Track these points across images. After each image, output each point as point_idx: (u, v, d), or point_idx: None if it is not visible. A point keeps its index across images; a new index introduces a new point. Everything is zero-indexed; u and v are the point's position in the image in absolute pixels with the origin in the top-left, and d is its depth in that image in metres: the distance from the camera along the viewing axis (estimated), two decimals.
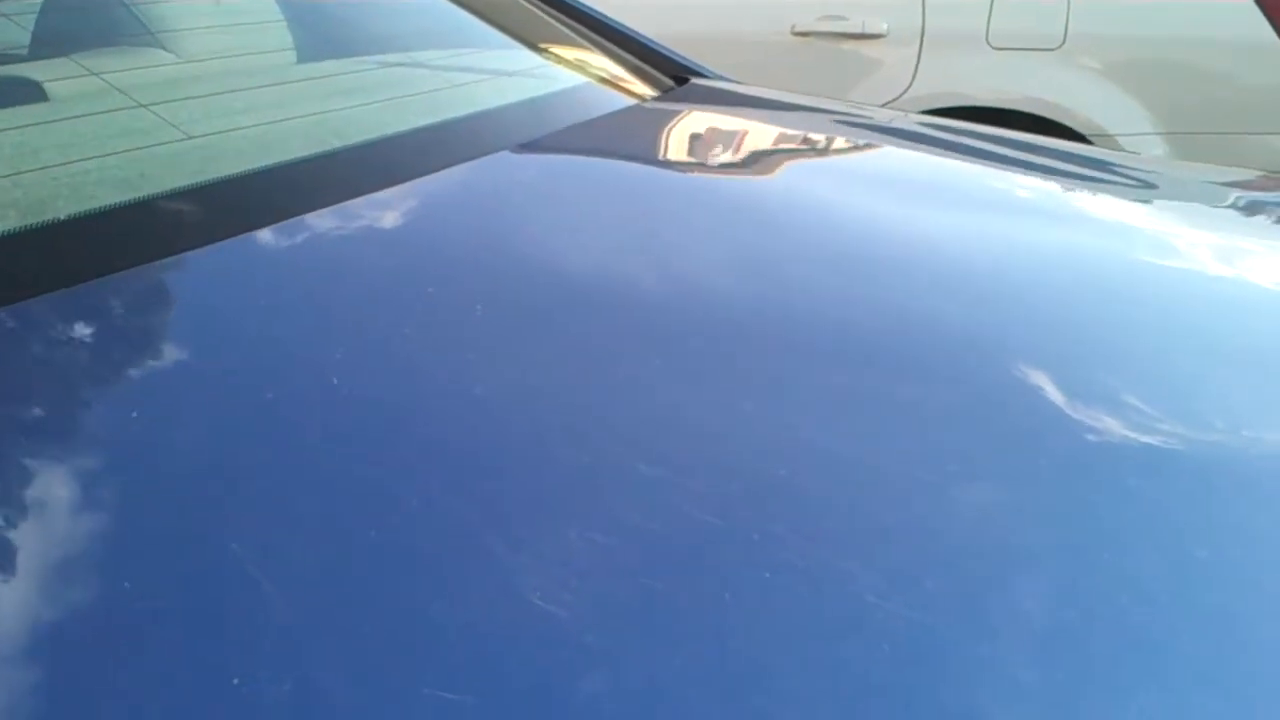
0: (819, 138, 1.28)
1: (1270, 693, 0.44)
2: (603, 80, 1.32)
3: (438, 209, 0.86)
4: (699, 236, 0.88)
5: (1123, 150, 2.68)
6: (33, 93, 0.95)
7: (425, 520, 0.49)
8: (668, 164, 1.10)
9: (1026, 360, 0.70)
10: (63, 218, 0.73)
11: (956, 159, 1.24)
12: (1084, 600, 0.48)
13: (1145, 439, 0.60)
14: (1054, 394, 0.64)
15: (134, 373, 0.61)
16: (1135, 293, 0.84)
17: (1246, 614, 0.48)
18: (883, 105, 2.76)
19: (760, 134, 1.26)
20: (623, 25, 1.46)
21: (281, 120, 1.00)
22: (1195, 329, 0.78)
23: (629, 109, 1.21)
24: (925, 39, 2.93)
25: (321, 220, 0.78)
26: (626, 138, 1.14)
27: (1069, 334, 0.74)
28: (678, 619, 0.45)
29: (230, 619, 0.42)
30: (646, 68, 1.40)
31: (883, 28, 2.96)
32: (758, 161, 1.14)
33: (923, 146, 1.29)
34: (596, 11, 1.47)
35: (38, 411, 0.55)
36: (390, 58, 1.29)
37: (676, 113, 1.26)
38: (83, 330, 0.63)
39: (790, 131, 1.29)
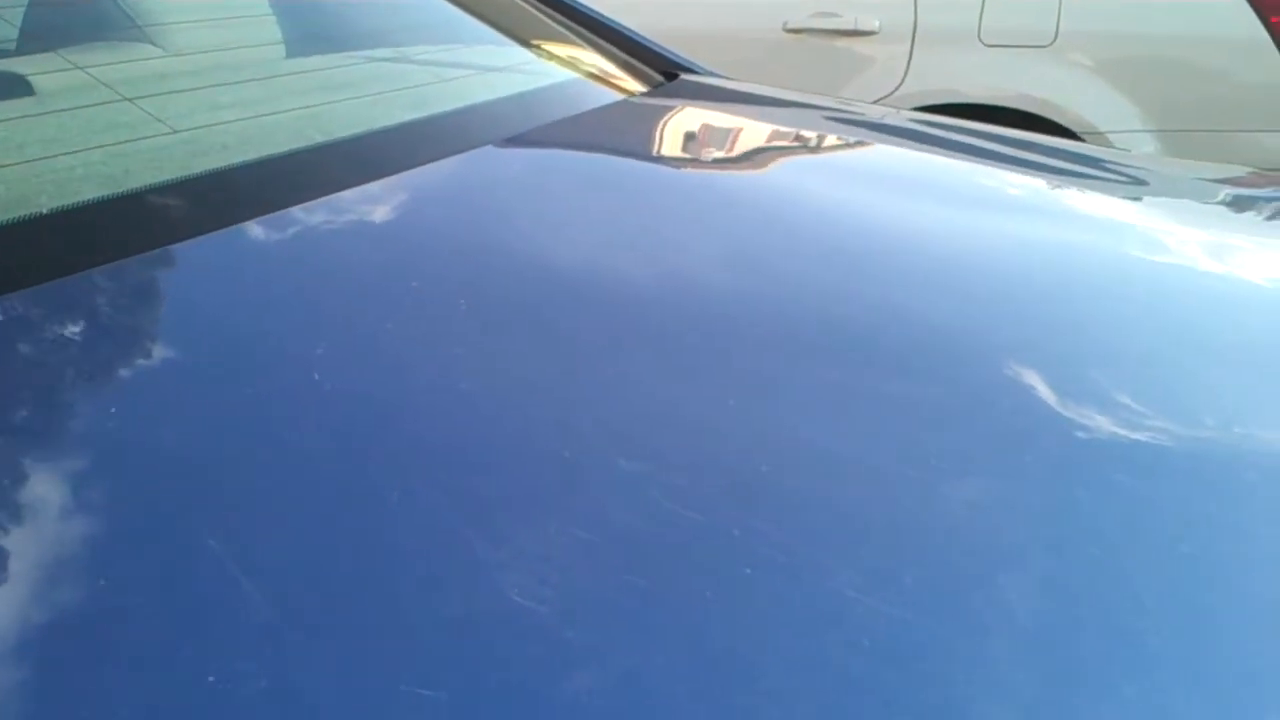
0: (807, 134, 1.27)
1: (1254, 689, 0.44)
2: (591, 75, 1.31)
3: (421, 203, 0.86)
4: (684, 231, 0.87)
5: (1114, 147, 2.69)
6: (18, 87, 0.95)
7: (407, 515, 0.49)
8: (653, 159, 1.09)
9: (1014, 356, 0.69)
10: (45, 212, 0.73)
11: (946, 156, 1.24)
12: (1071, 596, 0.48)
13: (1133, 435, 0.60)
14: (1041, 389, 0.64)
15: (114, 367, 0.60)
16: (1125, 289, 0.83)
17: (1230, 609, 0.48)
18: (874, 102, 2.76)
19: (748, 130, 1.26)
20: (613, 20, 1.46)
21: (266, 115, 1.00)
22: (1184, 325, 0.78)
23: (616, 104, 1.21)
24: (917, 36, 2.93)
25: (305, 214, 0.78)
26: (612, 132, 1.13)
27: (1058, 330, 0.74)
28: (658, 615, 0.44)
29: (206, 613, 0.42)
30: (635, 63, 1.39)
31: (875, 25, 2.96)
32: (745, 157, 1.14)
33: (912, 143, 1.28)
34: (586, 7, 1.46)
35: (16, 405, 0.55)
36: (377, 53, 1.28)
37: (664, 108, 1.26)
38: (63, 324, 0.62)
39: (779, 127, 1.28)
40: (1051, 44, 2.82)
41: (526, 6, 1.43)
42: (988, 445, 0.59)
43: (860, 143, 1.26)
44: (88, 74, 1.00)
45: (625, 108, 1.20)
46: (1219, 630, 0.47)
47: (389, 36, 1.32)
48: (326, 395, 0.58)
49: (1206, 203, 1.18)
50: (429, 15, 1.37)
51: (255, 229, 0.75)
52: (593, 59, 1.36)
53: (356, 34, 1.31)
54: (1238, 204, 1.17)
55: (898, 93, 2.95)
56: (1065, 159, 1.27)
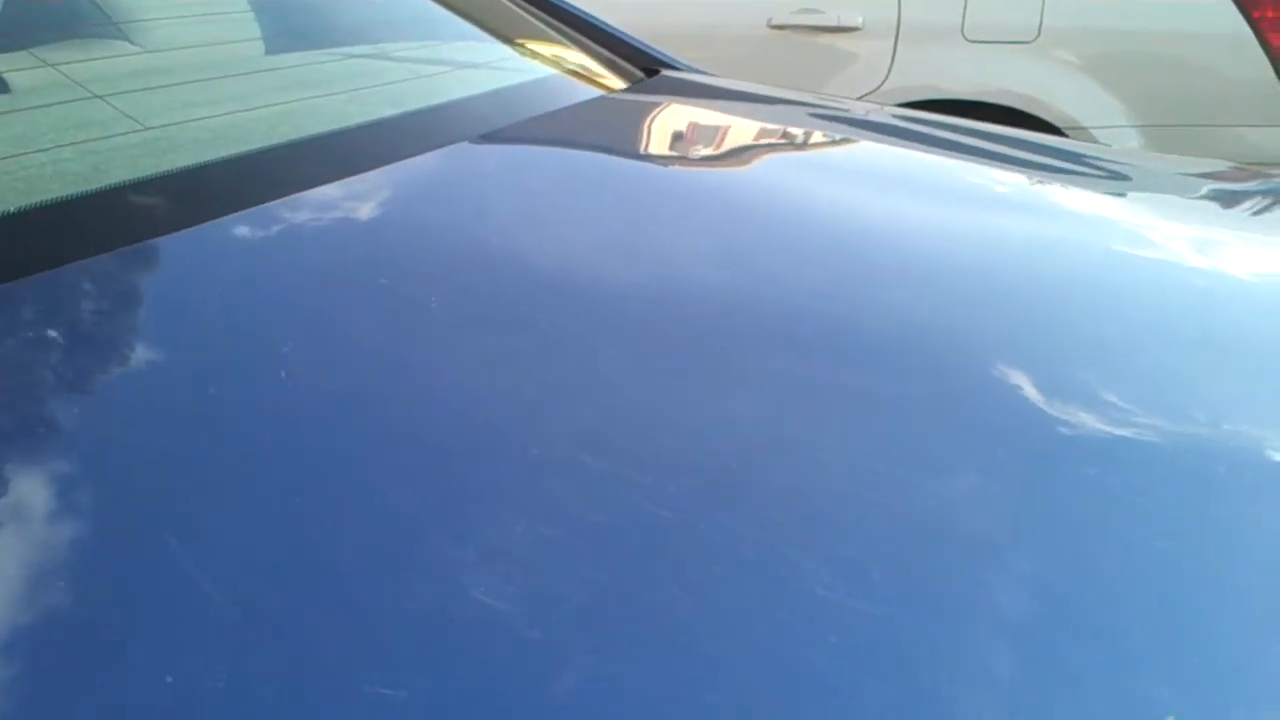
0: (788, 129, 1.27)
1: (1244, 685, 0.43)
2: (569, 71, 1.31)
3: (393, 199, 0.85)
4: (659, 226, 0.87)
5: (1097, 143, 2.69)
6: None
7: (376, 511, 0.48)
8: (628, 154, 1.09)
9: (995, 351, 0.69)
10: (12, 210, 0.72)
11: (927, 151, 1.23)
12: (1055, 591, 0.47)
13: (1116, 429, 0.60)
14: (1023, 384, 0.64)
15: (82, 362, 0.60)
16: (1107, 283, 0.83)
17: (1212, 605, 0.48)
18: (859, 98, 2.76)
19: (727, 125, 1.25)
20: (593, 17, 1.45)
21: (241, 111, 0.99)
22: (1168, 319, 0.78)
23: (594, 100, 1.20)
24: (901, 32, 2.93)
25: (277, 211, 0.77)
26: (588, 128, 1.12)
27: (1039, 324, 0.73)
28: (626, 613, 0.44)
29: (165, 611, 0.41)
30: (615, 59, 1.38)
31: (858, 21, 2.96)
32: (723, 152, 1.13)
33: (892, 138, 1.28)
34: (566, 4, 1.46)
35: None
36: (355, 49, 1.27)
37: (641, 104, 1.25)
38: (32, 321, 0.62)
39: (758, 123, 1.28)
40: (1035, 40, 2.82)
41: (505, 2, 1.43)
42: (968, 440, 0.59)
43: (840, 139, 1.26)
44: (59, 71, 0.99)
45: (602, 104, 1.20)
46: (1204, 626, 0.47)
47: (367, 33, 1.32)
48: (293, 390, 0.57)
49: (1189, 197, 1.18)
50: (407, 12, 1.36)
51: (227, 226, 0.74)
52: (572, 55, 1.35)
53: (335, 30, 1.30)
54: (1220, 198, 1.17)
55: (882, 89, 2.95)
56: (1048, 154, 1.27)
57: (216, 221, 0.74)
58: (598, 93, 1.23)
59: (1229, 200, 1.16)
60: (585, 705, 0.39)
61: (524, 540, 0.47)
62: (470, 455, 0.54)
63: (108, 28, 1.17)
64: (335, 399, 0.57)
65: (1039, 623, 0.45)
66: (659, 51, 1.44)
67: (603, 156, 1.08)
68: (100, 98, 0.94)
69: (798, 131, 1.26)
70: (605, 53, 1.40)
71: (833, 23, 2.97)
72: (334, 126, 0.97)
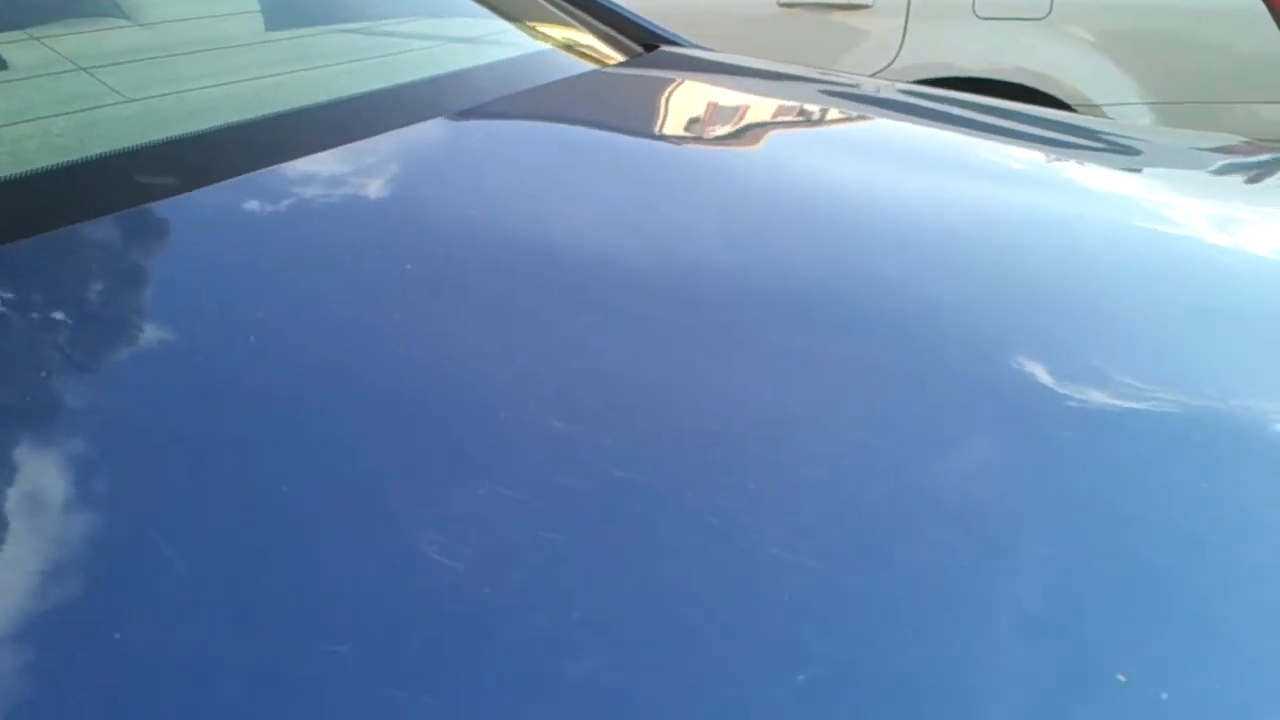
0: (787, 104, 1.25)
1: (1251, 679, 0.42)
2: (566, 46, 1.29)
3: (379, 170, 0.84)
4: (652, 199, 0.86)
5: (1108, 119, 2.67)
6: None
7: (367, 486, 0.47)
8: (620, 127, 1.07)
9: (1006, 327, 0.68)
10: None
11: (936, 127, 1.22)
12: (1064, 573, 0.46)
13: (1130, 406, 0.59)
14: (1035, 361, 0.63)
15: (61, 331, 0.59)
16: (1118, 258, 0.82)
17: (1219, 587, 0.47)
18: (870, 76, 2.74)
19: (722, 99, 1.24)
20: None
21: (231, 84, 0.98)
22: (1181, 294, 0.77)
23: (589, 74, 1.19)
24: (911, 9, 2.91)
25: (262, 181, 0.76)
26: (581, 101, 1.11)
27: (1052, 300, 0.72)
28: (630, 605, 0.43)
29: (133, 587, 0.40)
30: (614, 34, 1.37)
31: None
32: (720, 125, 1.11)
33: (896, 114, 1.26)
34: None
35: None
36: (349, 23, 1.26)
37: (636, 77, 1.24)
38: (10, 289, 0.61)
39: (756, 98, 1.26)
40: (1046, 16, 2.80)
41: None
42: (978, 417, 0.57)
43: (840, 113, 1.24)
44: (45, 45, 0.98)
45: (597, 77, 1.18)
46: (1215, 610, 0.45)
47: (361, 6, 1.30)
48: (274, 359, 0.56)
49: (1202, 172, 1.16)
50: None
51: (210, 195, 0.73)
52: (569, 30, 1.33)
53: (327, 4, 1.28)
54: (1233, 173, 1.15)
55: (893, 66, 2.93)
56: (1059, 130, 1.26)
57: (199, 190, 0.73)
58: (593, 67, 1.22)
59: (1242, 175, 1.15)
60: (585, 703, 0.38)
61: (487, 503, 0.46)
62: (459, 426, 0.53)
63: (99, 2, 1.16)
64: (317, 368, 0.56)
65: (1046, 607, 0.44)
66: (660, 27, 1.43)
67: (594, 129, 1.06)
68: (87, 70, 0.93)
69: (797, 106, 1.24)
70: (604, 28, 1.38)
71: (843, 0, 2.95)
72: (323, 99, 0.95)
